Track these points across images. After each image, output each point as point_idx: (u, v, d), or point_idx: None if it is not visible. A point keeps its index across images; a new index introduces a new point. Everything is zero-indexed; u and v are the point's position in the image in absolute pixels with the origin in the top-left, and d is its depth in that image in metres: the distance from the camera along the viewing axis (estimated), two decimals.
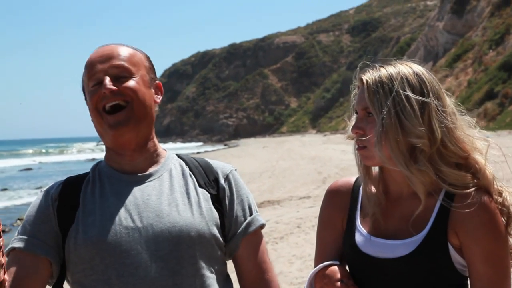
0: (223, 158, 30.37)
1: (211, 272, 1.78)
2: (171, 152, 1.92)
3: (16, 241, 1.74)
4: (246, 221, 1.86)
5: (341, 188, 1.96)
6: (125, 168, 1.82)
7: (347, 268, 1.86)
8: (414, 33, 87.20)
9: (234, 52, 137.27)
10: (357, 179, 1.96)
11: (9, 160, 57.58)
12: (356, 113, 1.85)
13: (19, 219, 16.91)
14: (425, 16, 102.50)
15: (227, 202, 1.85)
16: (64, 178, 1.87)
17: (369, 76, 1.81)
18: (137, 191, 1.78)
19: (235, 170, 1.93)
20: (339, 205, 1.92)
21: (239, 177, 1.92)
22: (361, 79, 1.83)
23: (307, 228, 10.51)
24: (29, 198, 22.96)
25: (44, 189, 1.84)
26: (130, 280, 1.68)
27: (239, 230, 1.84)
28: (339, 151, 34.10)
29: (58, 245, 1.75)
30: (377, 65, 1.84)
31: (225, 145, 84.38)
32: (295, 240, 9.43)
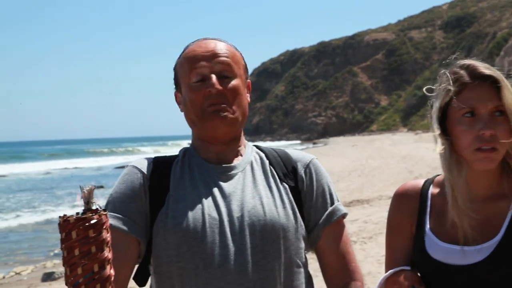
0: None
1: (296, 266, 1.77)
2: (250, 144, 1.93)
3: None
4: (328, 211, 1.83)
5: (409, 191, 1.90)
6: (211, 158, 1.84)
7: (418, 274, 1.80)
8: (511, 28, 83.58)
9: (323, 50, 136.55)
10: (425, 182, 1.90)
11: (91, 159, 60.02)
12: (441, 109, 1.75)
13: None
14: None
15: (306, 193, 1.83)
16: (153, 156, 1.87)
17: (494, 72, 1.70)
18: (223, 182, 1.79)
19: (316, 158, 1.90)
20: (407, 209, 1.86)
21: (320, 166, 1.88)
22: (484, 75, 1.70)
23: None
24: None
25: (132, 164, 1.84)
26: (217, 272, 1.67)
27: (321, 220, 1.82)
28: (431, 150, 33.04)
29: (146, 225, 1.75)
30: (480, 61, 1.74)
31: (314, 143, 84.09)
32: (384, 240, 9.26)
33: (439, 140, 1.76)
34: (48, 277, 9.93)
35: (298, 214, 1.79)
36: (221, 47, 1.82)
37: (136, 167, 1.81)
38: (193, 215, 1.71)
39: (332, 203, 1.85)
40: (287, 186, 1.81)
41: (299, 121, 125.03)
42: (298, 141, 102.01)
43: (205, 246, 1.69)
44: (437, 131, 1.76)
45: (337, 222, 1.84)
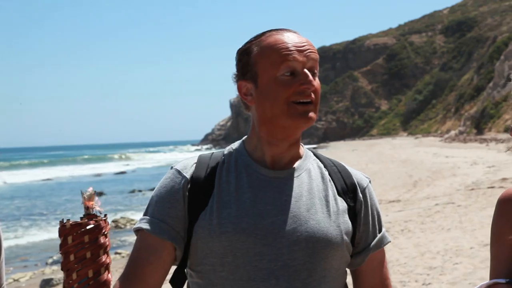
0: None
1: (338, 285, 1.72)
2: (308, 150, 1.81)
3: (144, 222, 1.68)
4: (377, 238, 1.78)
5: None
6: (267, 160, 1.72)
7: None
8: None
9: (323, 55, 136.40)
10: None
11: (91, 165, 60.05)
12: None
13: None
14: None
15: (362, 215, 1.75)
16: (197, 157, 1.77)
17: None
18: (275, 189, 1.68)
19: (370, 182, 1.83)
20: (510, 217, 1.71)
21: (373, 190, 1.82)
22: None
23: (396, 232, 10.30)
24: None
25: (175, 166, 1.74)
26: (260, 286, 1.61)
27: (371, 245, 1.76)
28: (431, 154, 33.21)
29: (184, 230, 1.68)
30: None
31: (314, 148, 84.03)
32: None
33: None
34: (47, 283, 9.93)
35: (351, 234, 1.72)
36: (308, 42, 1.71)
37: (178, 170, 1.72)
38: (239, 224, 1.63)
39: (381, 229, 1.81)
40: (345, 204, 1.73)
41: None
42: None
43: (250, 258, 1.62)
44: None
45: (382, 249, 1.82)
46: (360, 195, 1.76)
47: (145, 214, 1.70)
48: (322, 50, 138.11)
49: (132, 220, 17.69)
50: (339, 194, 1.73)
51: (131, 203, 23.54)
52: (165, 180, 1.72)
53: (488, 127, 56.59)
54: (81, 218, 1.43)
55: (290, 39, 1.68)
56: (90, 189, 1.43)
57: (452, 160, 26.98)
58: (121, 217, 18.19)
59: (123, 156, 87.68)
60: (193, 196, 1.68)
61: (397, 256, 8.36)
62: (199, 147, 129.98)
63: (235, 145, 1.78)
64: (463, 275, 7.09)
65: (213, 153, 1.78)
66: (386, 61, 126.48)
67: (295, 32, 1.73)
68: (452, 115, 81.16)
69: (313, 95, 1.66)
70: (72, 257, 1.42)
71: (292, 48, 1.66)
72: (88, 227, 1.42)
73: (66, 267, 1.44)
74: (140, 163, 64.42)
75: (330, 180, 1.74)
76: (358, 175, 1.80)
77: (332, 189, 1.73)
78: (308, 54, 1.67)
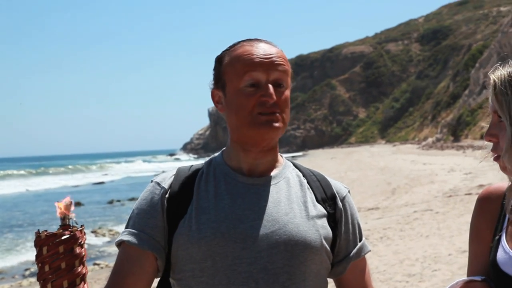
0: None
1: None
2: (287, 160, 1.84)
3: (125, 234, 1.70)
4: (358, 246, 1.80)
5: (491, 195, 1.74)
6: (244, 167, 1.74)
7: (490, 286, 1.66)
8: (486, 40, 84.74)
9: (301, 64, 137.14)
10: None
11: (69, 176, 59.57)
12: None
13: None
14: (498, 23, 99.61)
15: (342, 223, 1.77)
16: (176, 168, 1.79)
17: (498, 74, 1.61)
18: (254, 195, 1.70)
19: (349, 192, 1.85)
20: (488, 215, 1.71)
21: (352, 200, 1.84)
22: (490, 78, 1.63)
23: (375, 240, 10.35)
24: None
25: (154, 179, 1.77)
26: None
27: (351, 254, 1.78)
28: (408, 161, 33.47)
29: (164, 240, 1.69)
30: (510, 61, 1.64)
31: (293, 157, 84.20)
32: None
33: None
34: None
35: (331, 241, 1.73)
36: (278, 53, 1.71)
37: (157, 182, 1.75)
38: (218, 229, 1.64)
39: (361, 238, 1.83)
40: (325, 211, 1.74)
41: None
42: None
43: (230, 262, 1.63)
44: None
45: (364, 257, 1.83)
46: (340, 204, 1.78)
47: (126, 227, 1.73)
48: (300, 59, 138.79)
49: (111, 230, 17.54)
50: (318, 201, 1.75)
51: (110, 213, 23.34)
52: (145, 193, 1.75)
53: (465, 134, 57.23)
54: (58, 229, 1.41)
55: (258, 51, 1.70)
56: (67, 199, 1.41)
57: (429, 167, 27.22)
58: (99, 228, 18.03)
59: (101, 167, 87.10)
60: (172, 206, 1.70)
61: (377, 264, 8.39)
62: (178, 157, 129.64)
63: (215, 155, 1.82)
64: (441, 281, 7.14)
65: (192, 165, 1.80)
66: (363, 69, 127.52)
67: (268, 43, 1.74)
68: (429, 123, 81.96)
69: (277, 107, 1.68)
70: (47, 268, 1.41)
71: (257, 60, 1.68)
72: (63, 238, 1.40)
73: (41, 277, 1.42)
74: (119, 173, 64.05)
75: (308, 188, 1.77)
76: (337, 184, 1.83)
77: (310, 196, 1.75)
78: (273, 66, 1.68)
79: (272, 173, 1.76)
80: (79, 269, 1.45)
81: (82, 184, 46.58)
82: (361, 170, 30.05)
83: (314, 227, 1.69)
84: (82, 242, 1.42)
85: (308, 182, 1.78)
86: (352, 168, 31.60)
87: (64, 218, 1.40)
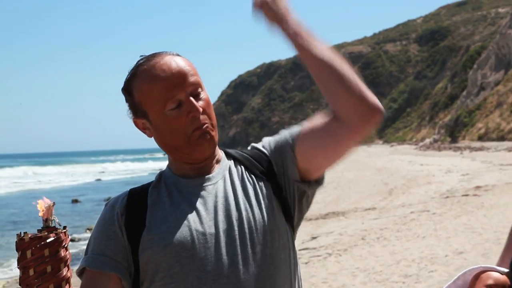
0: None
1: (289, 267, 1.75)
2: (222, 152, 1.87)
3: (85, 260, 1.72)
4: (288, 137, 1.84)
5: None
6: (189, 173, 1.78)
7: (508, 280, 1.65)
8: (484, 42, 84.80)
9: (299, 63, 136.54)
10: None
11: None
12: None
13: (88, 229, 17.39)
14: (496, 24, 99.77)
15: (277, 165, 1.79)
16: (128, 190, 1.82)
17: None
18: (205, 195, 1.74)
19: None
20: None
21: (267, 137, 1.87)
22: None
23: (372, 240, 10.32)
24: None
25: (109, 203, 1.80)
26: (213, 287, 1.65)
27: (291, 142, 1.82)
28: (406, 162, 33.48)
29: (127, 260, 1.72)
30: None
31: None
32: (359, 253, 9.27)
33: None
34: None
35: (281, 209, 1.75)
36: (184, 65, 1.73)
37: (110, 205, 1.78)
38: (180, 234, 1.67)
39: (291, 133, 1.85)
40: (263, 184, 1.76)
41: (275, 133, 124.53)
42: None
43: (197, 263, 1.66)
44: None
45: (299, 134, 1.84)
46: (266, 152, 1.81)
47: (86, 254, 1.73)
48: (298, 59, 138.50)
49: None
50: (257, 178, 1.77)
51: None
52: (100, 217, 1.78)
53: (462, 135, 57.31)
54: (39, 231, 1.36)
55: (165, 71, 1.70)
56: (47, 200, 1.36)
57: (427, 168, 27.20)
58: None
59: (99, 164, 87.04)
60: (129, 224, 1.72)
61: (373, 264, 8.37)
62: None
63: (163, 170, 1.86)
64: (438, 282, 7.11)
65: (143, 184, 1.83)
66: (361, 69, 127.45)
67: (168, 54, 1.74)
68: (426, 123, 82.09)
69: (205, 116, 1.71)
70: (31, 272, 1.36)
71: (170, 83, 1.68)
72: (48, 240, 1.35)
73: (25, 282, 1.37)
74: (116, 171, 64.00)
75: (245, 171, 1.79)
76: (258, 144, 1.87)
77: (250, 178, 1.78)
78: (186, 78, 1.70)
79: (216, 170, 1.79)
80: (64, 272, 1.41)
81: (79, 181, 46.55)
82: (358, 170, 30.02)
83: (265, 209, 1.72)
84: (66, 245, 1.38)
85: (242, 164, 1.81)
86: (349, 168, 31.55)
87: (47, 220, 1.35)
